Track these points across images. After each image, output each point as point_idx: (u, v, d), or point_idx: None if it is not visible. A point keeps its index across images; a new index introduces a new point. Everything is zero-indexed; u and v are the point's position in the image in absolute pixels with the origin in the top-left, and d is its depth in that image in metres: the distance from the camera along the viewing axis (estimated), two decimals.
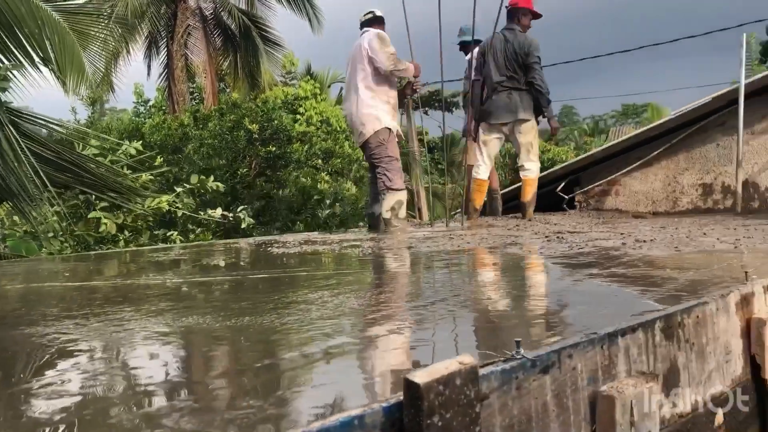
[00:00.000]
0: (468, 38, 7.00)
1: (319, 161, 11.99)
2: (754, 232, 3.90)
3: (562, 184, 7.84)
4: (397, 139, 5.80)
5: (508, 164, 17.62)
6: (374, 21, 5.96)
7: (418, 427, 0.95)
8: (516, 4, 6.21)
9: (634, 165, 7.27)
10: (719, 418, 1.69)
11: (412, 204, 6.89)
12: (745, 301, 1.85)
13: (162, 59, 13.66)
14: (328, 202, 10.37)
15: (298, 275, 3.11)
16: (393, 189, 5.60)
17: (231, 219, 7.02)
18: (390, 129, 5.64)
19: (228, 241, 6.46)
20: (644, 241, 3.71)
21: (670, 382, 1.52)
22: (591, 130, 35.66)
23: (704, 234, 3.95)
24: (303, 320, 1.75)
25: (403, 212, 5.76)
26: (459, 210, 7.16)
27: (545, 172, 8.86)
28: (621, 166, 7.40)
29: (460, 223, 6.18)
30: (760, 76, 6.48)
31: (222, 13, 13.87)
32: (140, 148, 6.78)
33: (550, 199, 8.05)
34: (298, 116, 13.55)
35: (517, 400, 1.16)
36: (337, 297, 2.16)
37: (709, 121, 6.85)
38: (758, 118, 6.59)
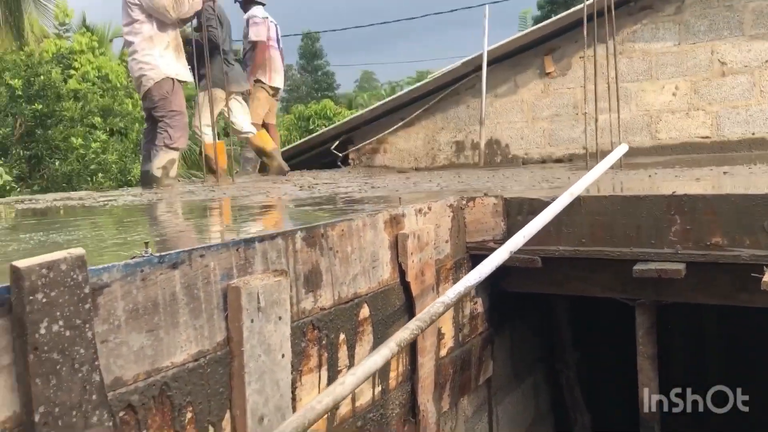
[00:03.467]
0: None
1: (97, 119, 11.34)
2: (469, 178, 4.54)
3: (337, 142, 8.28)
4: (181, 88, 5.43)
5: (301, 126, 17.93)
6: None
7: (22, 302, 1.14)
8: None
9: (399, 125, 7.88)
10: (365, 311, 2.08)
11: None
12: (395, 220, 2.26)
13: None
14: (99, 173, 9.91)
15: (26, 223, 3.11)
16: (171, 147, 5.32)
17: None
18: (173, 79, 5.26)
19: None
20: (378, 187, 4.16)
21: (312, 282, 1.86)
22: (388, 95, 37.23)
23: (430, 181, 4.51)
24: None
25: (174, 171, 5.58)
26: (238, 170, 7.28)
27: (320, 132, 9.27)
28: (388, 126, 7.98)
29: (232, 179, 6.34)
30: (499, 44, 7.32)
31: None
32: None
33: (326, 157, 8.49)
34: (73, 71, 12.63)
35: (142, 290, 1.39)
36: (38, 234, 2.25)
37: (460, 84, 7.61)
38: (500, 82, 7.45)
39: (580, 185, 2.49)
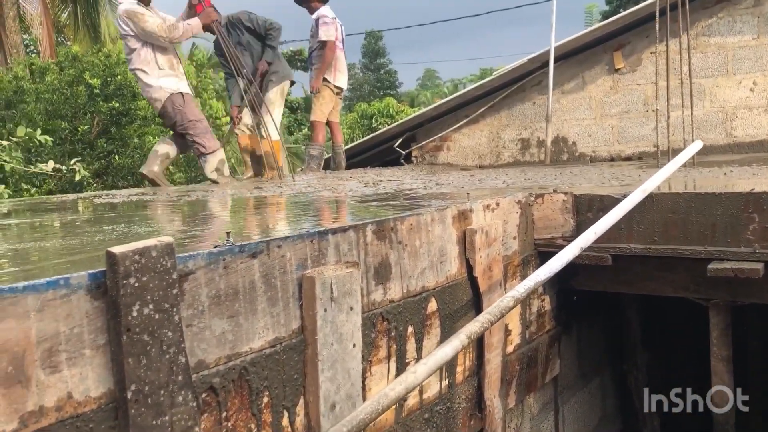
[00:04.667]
0: None
1: None
2: (536, 176, 4.49)
3: (400, 140, 8.32)
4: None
5: (364, 124, 18.07)
6: None
7: (116, 286, 1.22)
8: None
9: (462, 122, 7.86)
10: (433, 305, 2.10)
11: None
12: (463, 215, 2.27)
13: None
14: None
15: (107, 215, 3.27)
16: (209, 153, 5.57)
17: (65, 173, 6.85)
18: (182, 93, 5.49)
19: (54, 195, 6.35)
20: (442, 184, 4.17)
21: (382, 274, 1.90)
22: (450, 93, 37.11)
23: (495, 178, 4.48)
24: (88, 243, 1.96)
25: (227, 169, 5.84)
26: (302, 167, 7.44)
27: (383, 130, 9.33)
28: (452, 123, 7.96)
29: (293, 176, 6.48)
30: (566, 40, 7.20)
31: None
32: None
33: (389, 155, 8.54)
34: None
35: (224, 277, 1.45)
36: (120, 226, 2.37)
37: (526, 81, 7.52)
38: (567, 78, 7.33)
39: (653, 182, 2.44)
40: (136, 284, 1.24)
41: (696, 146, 3.09)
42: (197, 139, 5.53)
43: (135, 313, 1.24)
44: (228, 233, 1.51)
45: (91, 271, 1.23)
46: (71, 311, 1.18)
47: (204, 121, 5.69)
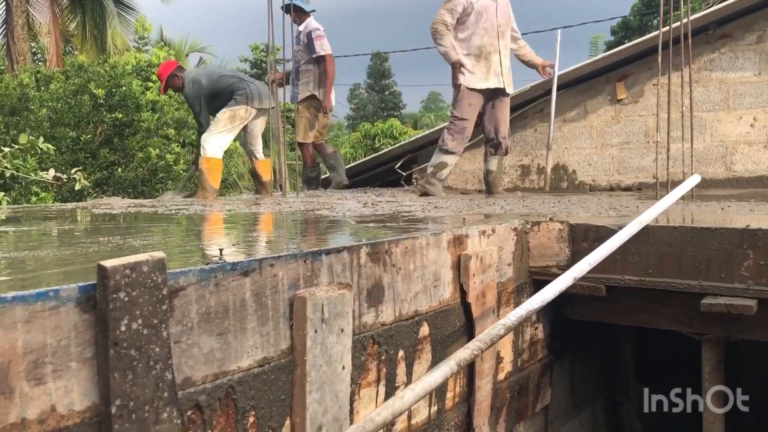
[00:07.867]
0: (308, 7, 7.09)
1: (171, 131, 11.78)
2: (534, 203, 4.50)
3: (400, 162, 8.34)
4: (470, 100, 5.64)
5: (367, 144, 18.14)
6: None
7: (106, 300, 1.21)
8: None
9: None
10: (425, 329, 2.10)
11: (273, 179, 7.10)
12: (458, 240, 2.27)
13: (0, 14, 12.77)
14: (169, 180, 10.31)
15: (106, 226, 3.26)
16: (441, 149, 5.73)
17: (65, 181, 6.87)
18: (467, 87, 5.58)
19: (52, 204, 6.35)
20: (441, 207, 4.17)
21: (374, 296, 1.89)
22: None
23: (494, 203, 4.49)
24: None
25: (443, 175, 5.86)
26: (303, 184, 7.47)
27: (385, 150, 9.37)
28: None
29: (296, 194, 6.49)
30: (570, 69, 7.25)
31: None
32: None
33: (390, 176, 8.56)
34: (151, 84, 13.18)
35: (215, 294, 1.45)
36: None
37: (528, 108, 7.57)
38: (570, 107, 7.38)
39: (650, 214, 2.44)
40: (126, 299, 1.24)
41: (694, 180, 3.11)
42: (446, 131, 5.73)
43: (123, 328, 1.23)
44: (221, 250, 1.51)
45: (81, 284, 1.22)
46: (59, 323, 1.18)
47: (465, 123, 5.69)
